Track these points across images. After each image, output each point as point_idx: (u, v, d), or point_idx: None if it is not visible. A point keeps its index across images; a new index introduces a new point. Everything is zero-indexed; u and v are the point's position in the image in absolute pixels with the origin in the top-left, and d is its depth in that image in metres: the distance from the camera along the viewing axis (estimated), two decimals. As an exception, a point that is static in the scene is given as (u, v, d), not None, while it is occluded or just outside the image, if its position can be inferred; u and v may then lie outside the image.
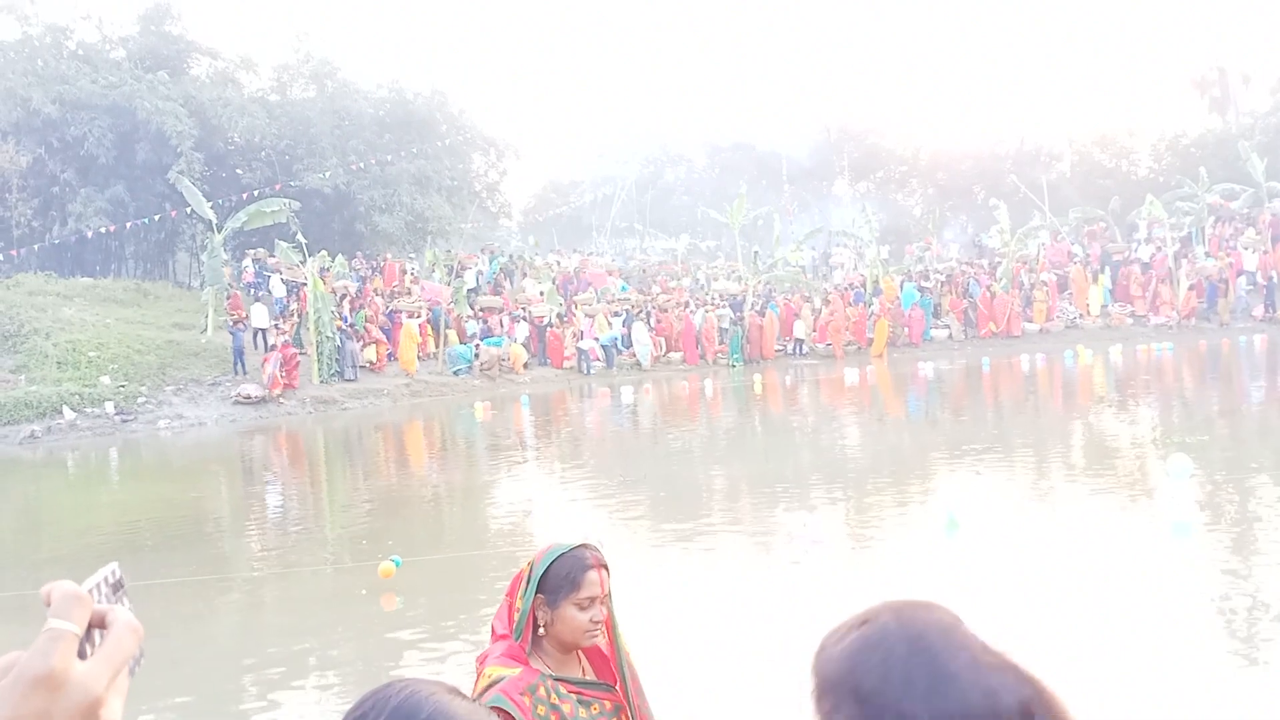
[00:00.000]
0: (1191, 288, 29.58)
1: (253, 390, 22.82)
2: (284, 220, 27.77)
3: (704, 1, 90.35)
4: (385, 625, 7.71)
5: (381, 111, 37.07)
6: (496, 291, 31.52)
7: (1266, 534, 8.78)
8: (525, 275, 34.04)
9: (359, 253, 33.15)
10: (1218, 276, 29.81)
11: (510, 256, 36.46)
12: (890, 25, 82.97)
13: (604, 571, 2.39)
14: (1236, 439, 13.87)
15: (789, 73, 78.68)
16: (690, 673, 5.95)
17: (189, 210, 28.82)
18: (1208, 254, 31.83)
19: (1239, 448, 13.10)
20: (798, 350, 29.11)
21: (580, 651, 2.47)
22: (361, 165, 33.72)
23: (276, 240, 28.17)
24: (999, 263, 33.04)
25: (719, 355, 28.75)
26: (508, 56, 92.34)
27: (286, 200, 28.83)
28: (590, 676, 2.47)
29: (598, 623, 2.35)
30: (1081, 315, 30.47)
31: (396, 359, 25.86)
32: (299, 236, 26.22)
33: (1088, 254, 34.16)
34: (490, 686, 2.30)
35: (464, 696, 1.16)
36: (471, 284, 31.51)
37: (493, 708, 2.25)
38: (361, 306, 26.85)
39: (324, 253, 29.44)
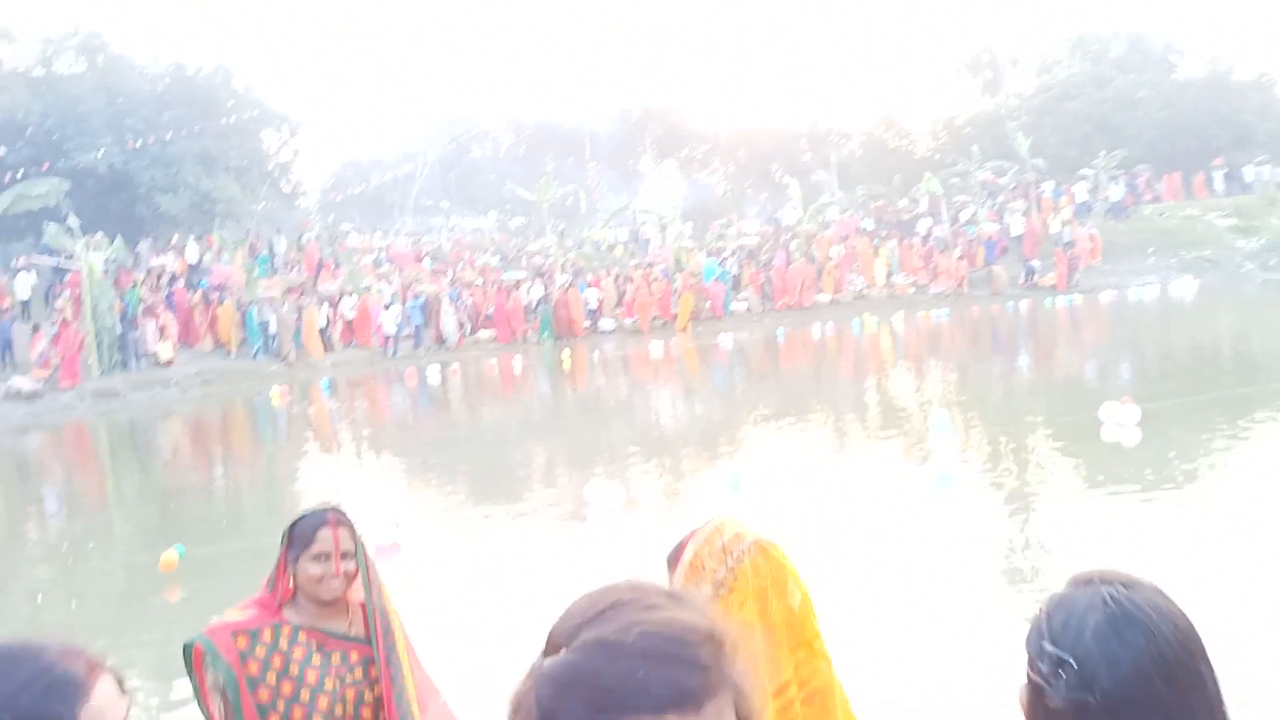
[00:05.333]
0: (961, 257, 31.86)
1: (24, 384, 21.23)
2: (54, 203, 25.87)
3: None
4: (177, 618, 7.49)
5: (160, 87, 34.88)
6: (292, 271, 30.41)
7: (1020, 482, 9.75)
8: (331, 256, 32.95)
9: (149, 235, 31.29)
10: (992, 239, 32.31)
11: (310, 236, 35.03)
12: (690, 4, 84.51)
13: (341, 530, 2.53)
14: (997, 397, 15.20)
15: (592, 50, 79.05)
16: (510, 647, 6.12)
17: (-57, 193, 26.40)
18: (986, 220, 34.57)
19: (999, 406, 14.38)
20: (594, 322, 29.45)
21: (358, 609, 2.62)
22: (140, 144, 31.68)
23: (46, 223, 26.19)
24: (794, 238, 34.53)
25: (529, 333, 28.85)
26: (297, 29, 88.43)
27: (57, 180, 26.83)
28: (355, 632, 2.61)
29: (333, 577, 2.50)
30: (868, 286, 32.28)
31: (189, 345, 24.71)
32: (71, 219, 24.49)
33: (875, 228, 36.21)
34: None
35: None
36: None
37: (193, 645, 2.44)
38: (133, 285, 25.50)
39: (101, 235, 27.59)
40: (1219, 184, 38.29)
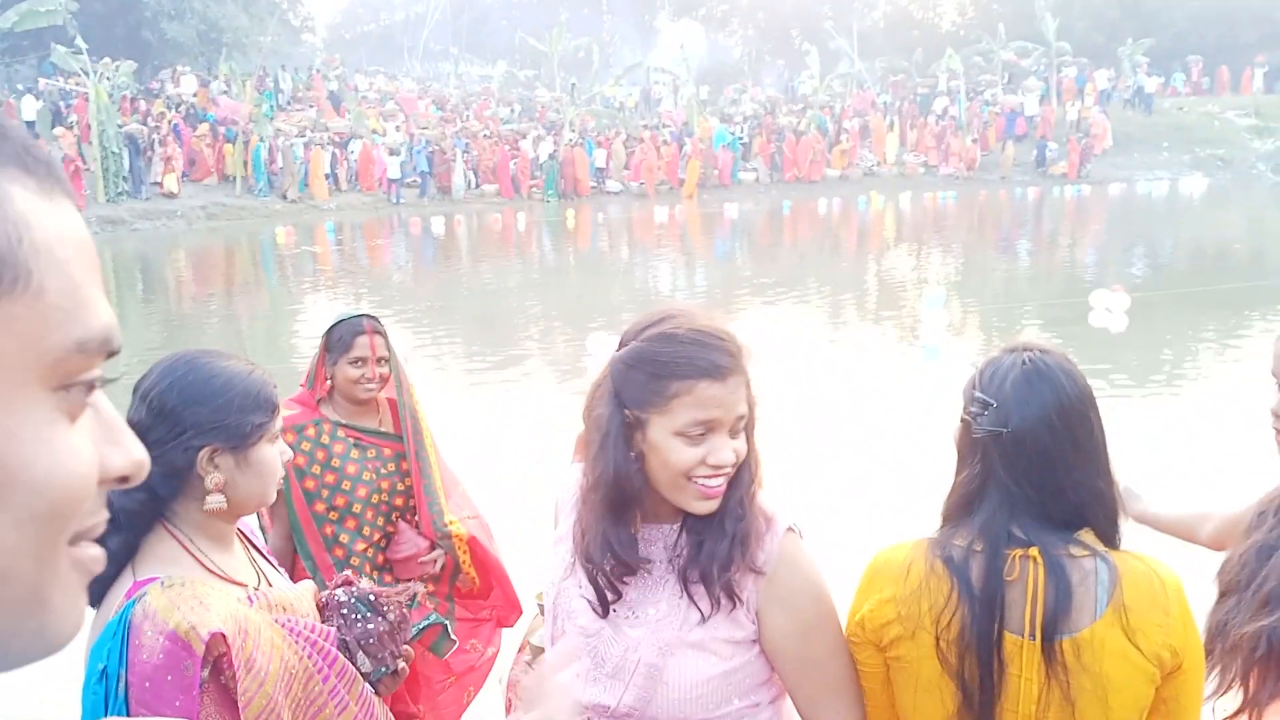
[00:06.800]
0: (975, 139, 31.49)
1: (31, 208, 21.28)
2: (60, 22, 25.35)
3: None
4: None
5: (168, -96, 33.74)
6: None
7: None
8: (338, 96, 32.47)
9: (155, 63, 30.78)
10: (1012, 111, 31.94)
11: (332, 74, 34.36)
12: None
13: (376, 337, 2.77)
14: (993, 279, 15.42)
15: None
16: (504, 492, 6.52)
17: (-56, 5, 25.84)
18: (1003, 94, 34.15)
19: (994, 287, 14.62)
20: (600, 183, 29.28)
21: (388, 407, 2.88)
22: (147, -35, 30.86)
23: (53, 44, 25.71)
24: (807, 108, 33.99)
25: (533, 190, 28.73)
26: None
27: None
28: (386, 429, 2.87)
29: (369, 380, 2.75)
30: (879, 163, 32.01)
31: (195, 180, 24.64)
32: (79, 41, 24.06)
33: (892, 103, 35.61)
34: None
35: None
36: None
37: None
38: (135, 112, 25.30)
39: (108, 61, 27.11)
40: (1259, 81, 37.48)
